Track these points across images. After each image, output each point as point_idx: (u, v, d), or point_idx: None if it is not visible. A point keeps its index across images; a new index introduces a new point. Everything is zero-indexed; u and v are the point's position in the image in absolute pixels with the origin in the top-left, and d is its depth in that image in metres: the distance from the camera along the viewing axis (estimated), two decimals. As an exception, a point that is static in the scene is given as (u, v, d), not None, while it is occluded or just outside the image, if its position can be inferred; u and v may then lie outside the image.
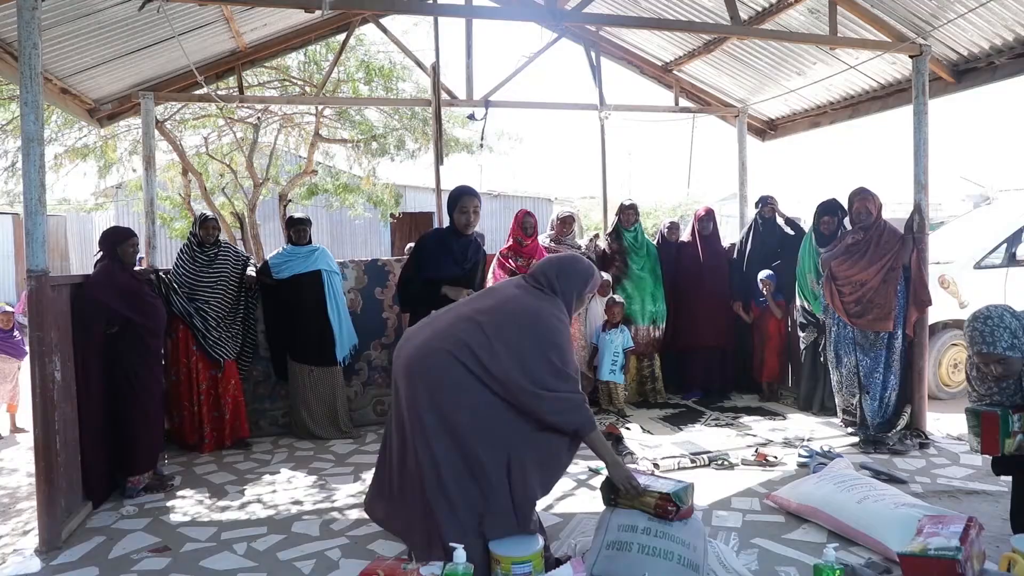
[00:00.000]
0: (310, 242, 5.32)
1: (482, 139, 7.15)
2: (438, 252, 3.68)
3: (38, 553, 3.29)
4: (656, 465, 4.24)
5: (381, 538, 3.39)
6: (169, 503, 3.94)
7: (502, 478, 2.74)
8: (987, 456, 3.02)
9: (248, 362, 5.27)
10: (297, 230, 5.27)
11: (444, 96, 6.36)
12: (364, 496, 3.92)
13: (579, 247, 6.01)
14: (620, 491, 2.83)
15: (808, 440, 4.78)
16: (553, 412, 2.76)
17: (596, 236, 6.28)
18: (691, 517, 2.80)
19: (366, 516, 3.65)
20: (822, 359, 5.31)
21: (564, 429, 2.81)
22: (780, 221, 6.10)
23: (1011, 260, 6.51)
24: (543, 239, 5.82)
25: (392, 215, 14.27)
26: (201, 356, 4.87)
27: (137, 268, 4.38)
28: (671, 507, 2.70)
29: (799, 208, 13.66)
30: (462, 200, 3.69)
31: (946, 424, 5.16)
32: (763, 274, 5.77)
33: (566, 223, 5.94)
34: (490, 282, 5.47)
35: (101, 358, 3.96)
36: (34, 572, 3.14)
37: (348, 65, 10.12)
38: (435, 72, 6.10)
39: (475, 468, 2.73)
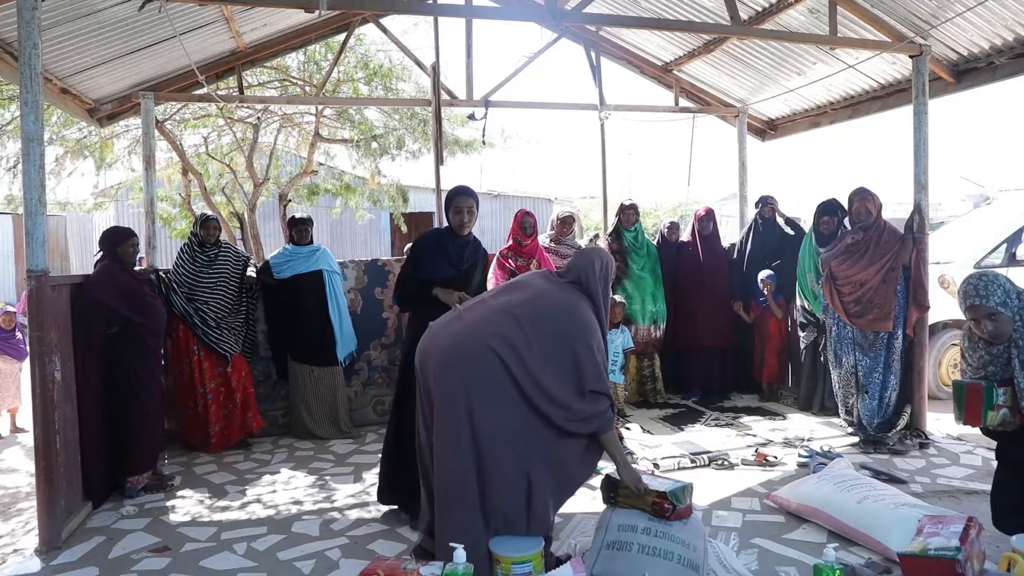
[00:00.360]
0: (311, 242, 5.32)
1: (483, 139, 7.13)
2: (434, 253, 3.65)
3: (38, 553, 3.29)
4: (656, 465, 4.24)
5: (381, 538, 3.39)
6: (169, 503, 3.94)
7: (520, 481, 2.72)
8: (978, 437, 3.01)
9: (247, 361, 5.27)
10: (299, 230, 5.28)
11: (444, 96, 6.36)
12: (369, 495, 3.89)
13: (579, 247, 6.01)
14: (620, 489, 2.83)
15: (808, 440, 4.78)
16: (580, 415, 2.75)
17: (596, 236, 6.28)
18: (691, 517, 2.80)
19: (366, 516, 3.67)
20: (822, 359, 5.31)
21: (582, 432, 2.79)
22: (780, 221, 6.10)
23: (1011, 260, 6.51)
24: (543, 239, 5.82)
25: (403, 214, 14.28)
26: (208, 355, 4.87)
27: (137, 268, 4.38)
28: (667, 505, 2.70)
29: (799, 208, 13.66)
30: (456, 200, 3.65)
31: (946, 424, 5.15)
32: (763, 274, 5.77)
33: (566, 223, 5.94)
34: (490, 283, 5.47)
35: (101, 358, 3.96)
36: (34, 572, 3.14)
37: (348, 65, 10.12)
38: (435, 72, 6.10)
39: (494, 468, 2.68)
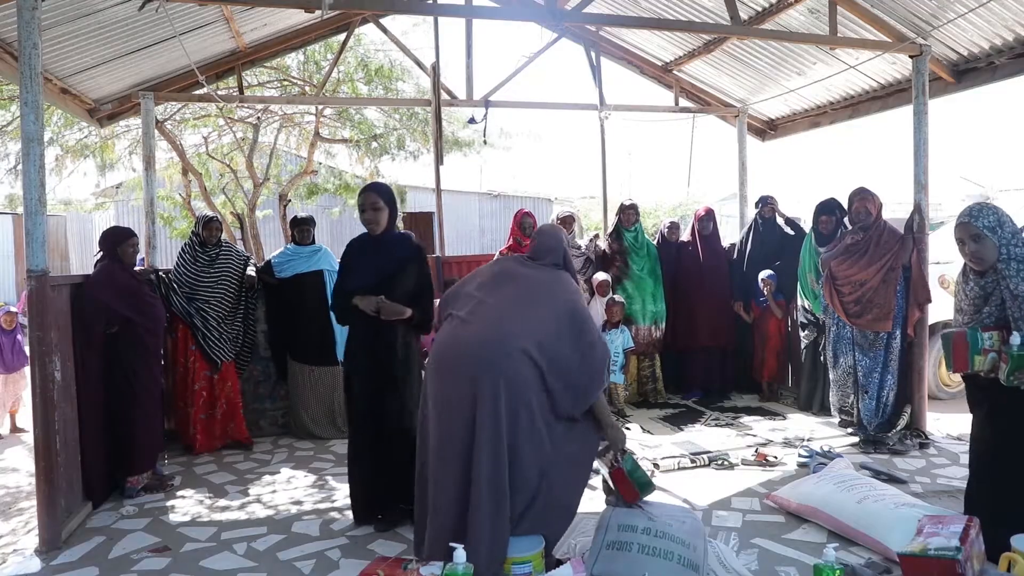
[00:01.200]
0: (313, 242, 5.32)
1: (484, 139, 7.12)
2: (356, 259, 3.45)
3: (38, 553, 3.29)
4: (656, 465, 4.24)
5: (381, 538, 3.39)
6: (169, 503, 3.94)
7: (540, 482, 2.73)
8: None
9: (246, 362, 5.26)
10: (300, 230, 5.28)
11: (444, 96, 6.36)
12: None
13: (579, 247, 6.01)
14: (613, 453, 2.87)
15: (808, 440, 4.77)
16: (593, 384, 2.79)
17: (596, 236, 6.28)
18: (691, 517, 2.80)
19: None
20: (822, 359, 5.31)
21: (592, 396, 2.81)
22: (780, 221, 6.10)
23: (1011, 260, 6.49)
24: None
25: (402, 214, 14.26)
26: (199, 356, 4.86)
27: (137, 268, 4.39)
28: (615, 462, 2.78)
29: (799, 208, 13.64)
30: (360, 198, 3.41)
31: (946, 424, 5.16)
32: (764, 274, 5.77)
33: (565, 223, 5.94)
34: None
35: (101, 358, 3.96)
36: (34, 572, 3.14)
37: (348, 65, 10.12)
38: (435, 72, 6.11)
39: (517, 471, 2.66)
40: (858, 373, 4.81)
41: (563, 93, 39.26)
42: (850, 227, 4.93)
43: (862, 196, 4.80)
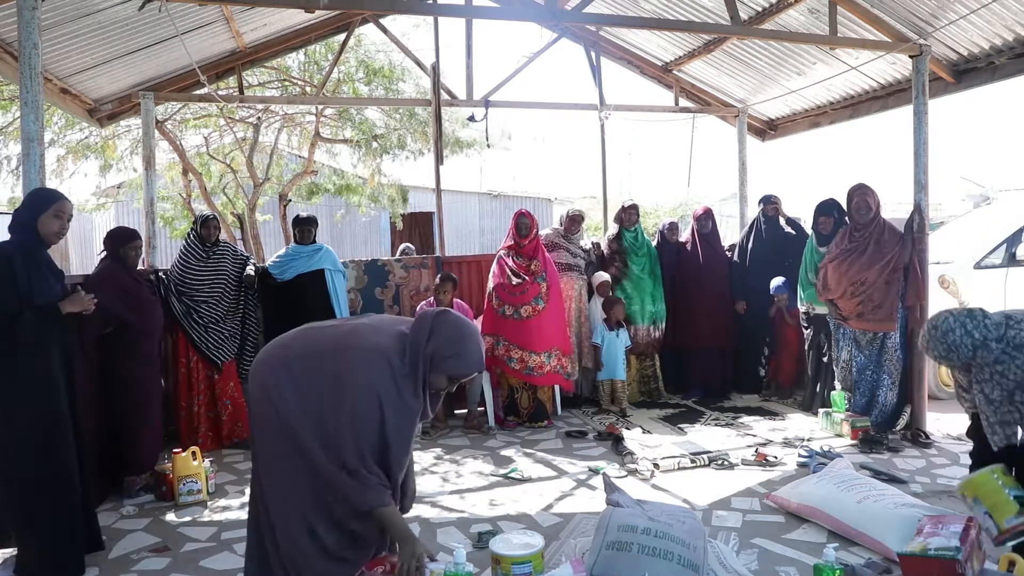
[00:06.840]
0: (315, 241, 5.32)
1: (488, 140, 7.06)
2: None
3: (38, 553, 3.28)
4: (656, 465, 4.24)
5: (381, 538, 3.39)
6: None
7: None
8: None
9: (249, 363, 5.25)
10: (302, 230, 5.27)
11: (444, 96, 6.36)
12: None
13: (583, 248, 5.99)
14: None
15: (808, 440, 4.77)
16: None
17: (597, 245, 6.27)
18: (691, 517, 2.80)
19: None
20: (825, 359, 5.32)
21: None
22: (781, 221, 6.10)
23: (1011, 260, 6.51)
24: (549, 231, 5.88)
25: (401, 215, 14.23)
26: (200, 357, 4.87)
27: (138, 268, 4.39)
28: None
29: (799, 208, 13.64)
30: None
31: (946, 424, 5.16)
32: (775, 284, 5.74)
33: (575, 220, 5.96)
34: (490, 280, 5.47)
35: (100, 358, 3.96)
36: (34, 572, 3.13)
37: (348, 65, 10.12)
38: (435, 72, 6.11)
39: None
40: (853, 368, 4.87)
41: (563, 93, 39.24)
42: (851, 222, 4.96)
43: (862, 191, 4.88)
